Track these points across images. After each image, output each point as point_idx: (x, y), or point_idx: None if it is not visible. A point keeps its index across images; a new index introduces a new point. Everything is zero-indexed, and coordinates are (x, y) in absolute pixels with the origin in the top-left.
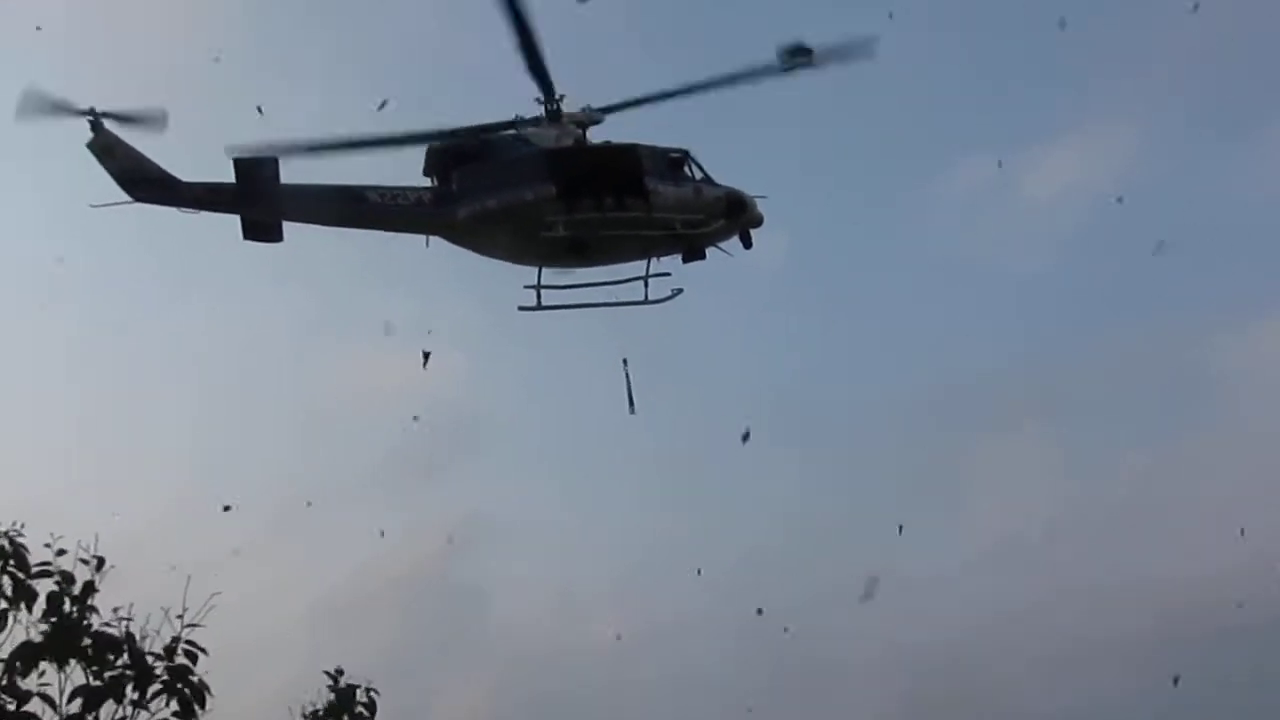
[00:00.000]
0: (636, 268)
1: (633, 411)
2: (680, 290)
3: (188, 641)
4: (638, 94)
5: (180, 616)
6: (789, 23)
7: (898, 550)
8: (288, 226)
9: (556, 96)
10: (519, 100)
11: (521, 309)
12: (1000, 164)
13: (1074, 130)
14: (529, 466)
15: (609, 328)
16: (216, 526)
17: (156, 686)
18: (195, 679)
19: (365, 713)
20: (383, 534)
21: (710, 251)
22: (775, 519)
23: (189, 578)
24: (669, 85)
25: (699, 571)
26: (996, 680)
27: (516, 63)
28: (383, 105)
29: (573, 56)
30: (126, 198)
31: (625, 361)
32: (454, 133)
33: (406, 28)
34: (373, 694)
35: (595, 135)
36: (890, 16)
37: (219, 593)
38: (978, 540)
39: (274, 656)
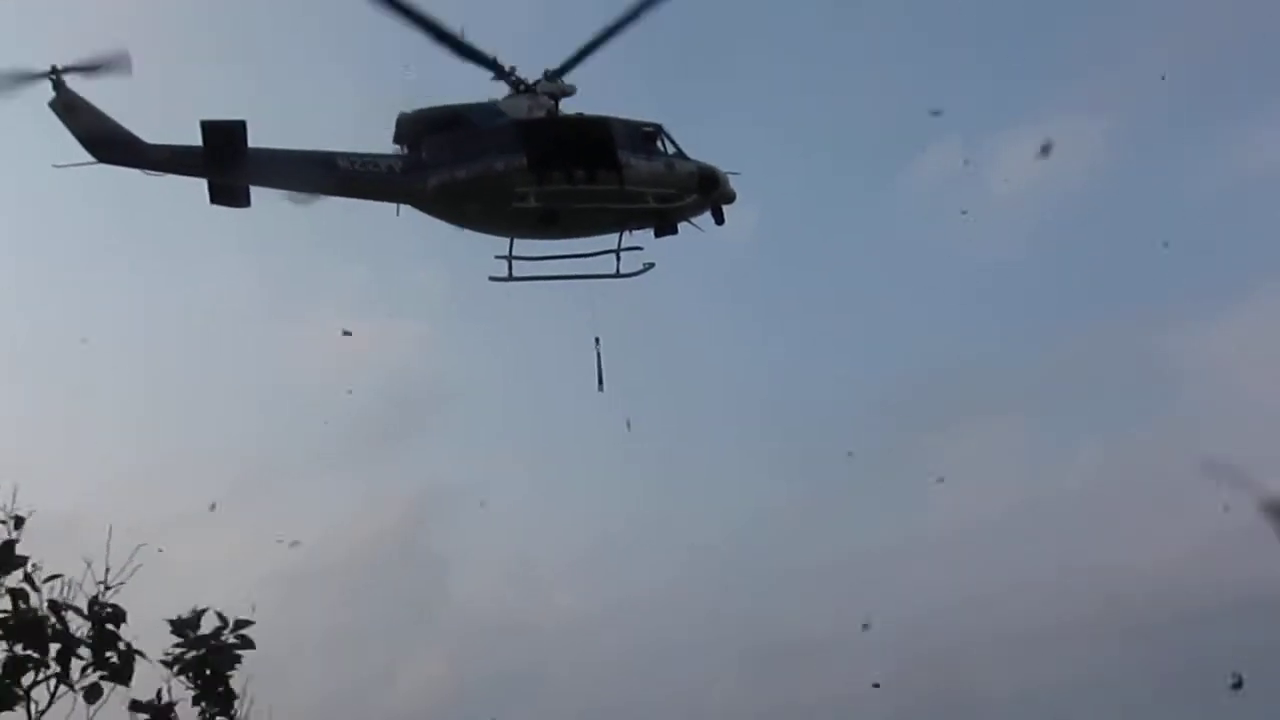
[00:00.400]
0: (608, 241)
1: (601, 389)
2: (652, 264)
3: (110, 605)
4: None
5: (102, 582)
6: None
7: (862, 531)
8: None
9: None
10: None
11: (492, 279)
12: (966, 162)
13: (1043, 119)
14: (494, 438)
15: (578, 300)
16: (174, 494)
17: (84, 664)
18: (122, 646)
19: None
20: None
21: (682, 227)
22: (739, 498)
23: (109, 528)
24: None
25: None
26: (965, 661)
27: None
28: None
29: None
30: (90, 159)
31: (598, 340)
32: (452, 41)
33: None
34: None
35: (567, 107)
36: None
37: (144, 544)
38: (943, 525)
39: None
